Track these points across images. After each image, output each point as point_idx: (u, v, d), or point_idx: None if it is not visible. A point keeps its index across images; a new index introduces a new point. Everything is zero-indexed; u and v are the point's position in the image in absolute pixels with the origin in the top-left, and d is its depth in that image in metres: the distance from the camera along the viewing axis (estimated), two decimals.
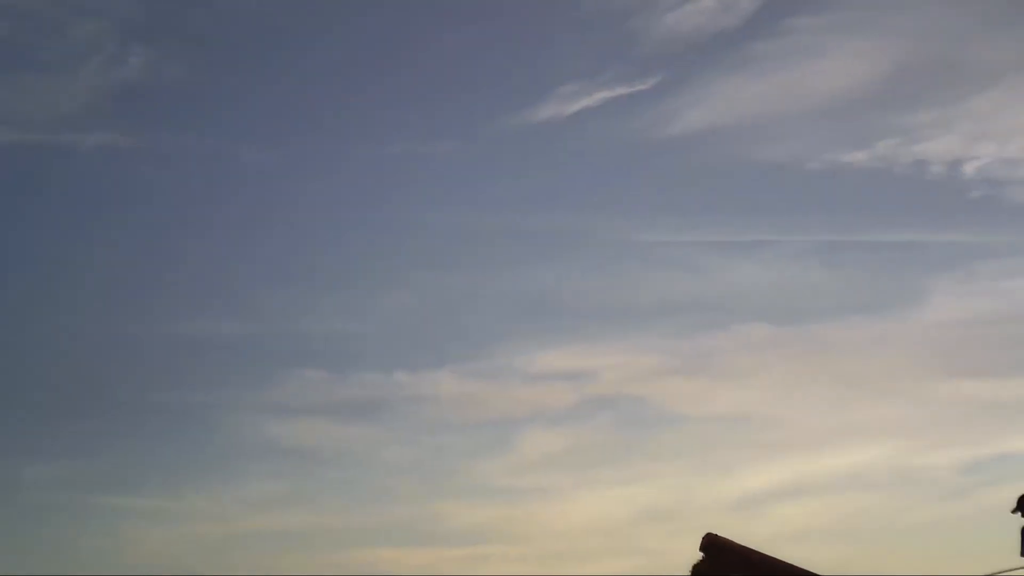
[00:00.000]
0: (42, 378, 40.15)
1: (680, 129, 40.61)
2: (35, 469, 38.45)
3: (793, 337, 40.37)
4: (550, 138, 41.71)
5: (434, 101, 43.13)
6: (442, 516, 38.66)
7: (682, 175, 42.19)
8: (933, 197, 40.51)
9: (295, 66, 42.49)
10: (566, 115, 39.91)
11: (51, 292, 41.56)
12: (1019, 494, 13.33)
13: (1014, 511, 13.47)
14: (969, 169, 39.18)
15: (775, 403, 39.60)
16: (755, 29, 40.09)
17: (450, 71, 42.72)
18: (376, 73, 42.84)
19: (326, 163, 43.06)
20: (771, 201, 42.23)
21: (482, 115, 43.37)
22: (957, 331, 39.52)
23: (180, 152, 41.75)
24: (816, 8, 40.37)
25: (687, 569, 14.91)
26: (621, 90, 39.85)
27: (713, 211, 41.72)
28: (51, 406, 39.41)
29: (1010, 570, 14.51)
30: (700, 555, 14.73)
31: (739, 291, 41.59)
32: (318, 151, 42.85)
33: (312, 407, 40.43)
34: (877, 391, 39.19)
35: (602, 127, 41.23)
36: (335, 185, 42.94)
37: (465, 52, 42.40)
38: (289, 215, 43.07)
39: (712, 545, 14.61)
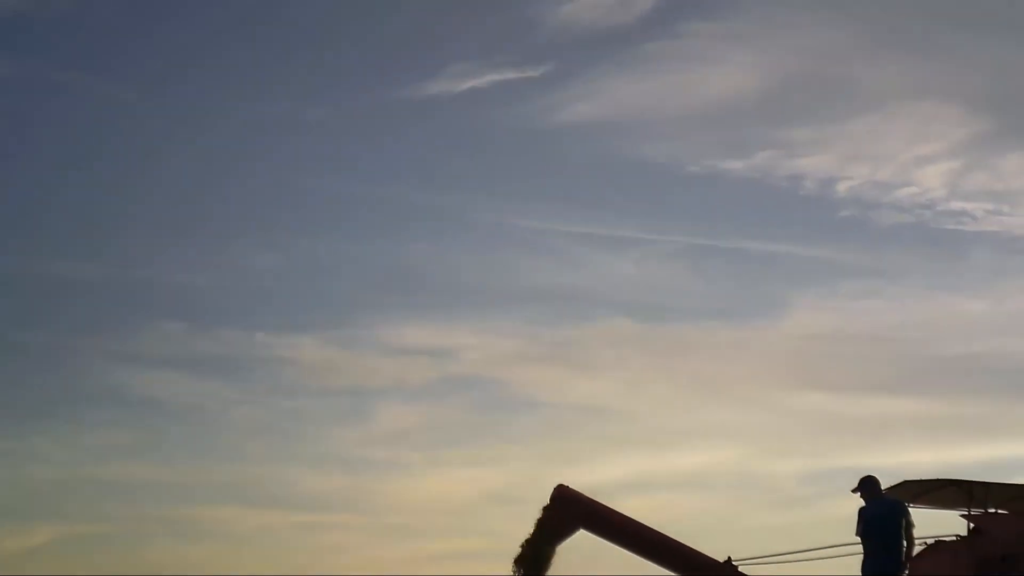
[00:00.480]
0: None
1: (566, 119, 40.95)
2: None
3: (654, 335, 41.01)
4: (436, 114, 41.69)
5: (322, 65, 42.77)
6: (289, 480, 38.31)
7: (563, 165, 42.54)
8: (804, 212, 41.60)
9: (186, 13, 41.73)
10: (454, 93, 39.94)
11: None
12: (854, 507, 13.68)
13: (854, 491, 13.85)
14: (841, 188, 40.30)
15: (630, 398, 40.16)
16: (648, 29, 40.64)
17: (341, 36, 42.41)
18: (267, 29, 42.30)
19: (206, 114, 42.33)
20: (647, 200, 42.82)
21: (369, 84, 43.14)
22: (813, 344, 40.56)
23: (59, 86, 40.65)
24: (710, 15, 41.08)
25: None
26: (511, 74, 40.02)
27: (590, 204, 42.14)
28: None
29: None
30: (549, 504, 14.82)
31: (606, 285, 42.06)
32: (200, 101, 42.10)
33: (167, 359, 39.71)
34: (730, 395, 40.02)
35: (489, 109, 41.37)
36: (213, 137, 42.20)
37: (359, 18, 42.11)
38: (163, 162, 42.20)
39: (562, 496, 14.72)
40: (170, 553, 35.10)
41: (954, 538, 15.50)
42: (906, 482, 16.06)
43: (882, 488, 14.02)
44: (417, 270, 42.41)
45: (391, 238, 42.76)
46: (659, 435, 38.88)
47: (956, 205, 39.81)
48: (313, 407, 40.18)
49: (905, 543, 13.37)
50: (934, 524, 16.69)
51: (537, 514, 14.89)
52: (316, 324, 41.38)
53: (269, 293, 42.40)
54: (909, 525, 13.47)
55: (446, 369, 39.85)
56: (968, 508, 15.97)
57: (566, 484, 14.94)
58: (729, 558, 14.63)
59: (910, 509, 14.33)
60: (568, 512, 14.64)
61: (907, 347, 40.96)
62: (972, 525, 15.49)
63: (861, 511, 13.67)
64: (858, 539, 13.63)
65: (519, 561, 14.46)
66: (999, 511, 16.21)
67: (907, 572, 13.36)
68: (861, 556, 13.45)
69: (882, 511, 13.53)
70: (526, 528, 14.83)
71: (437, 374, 39.90)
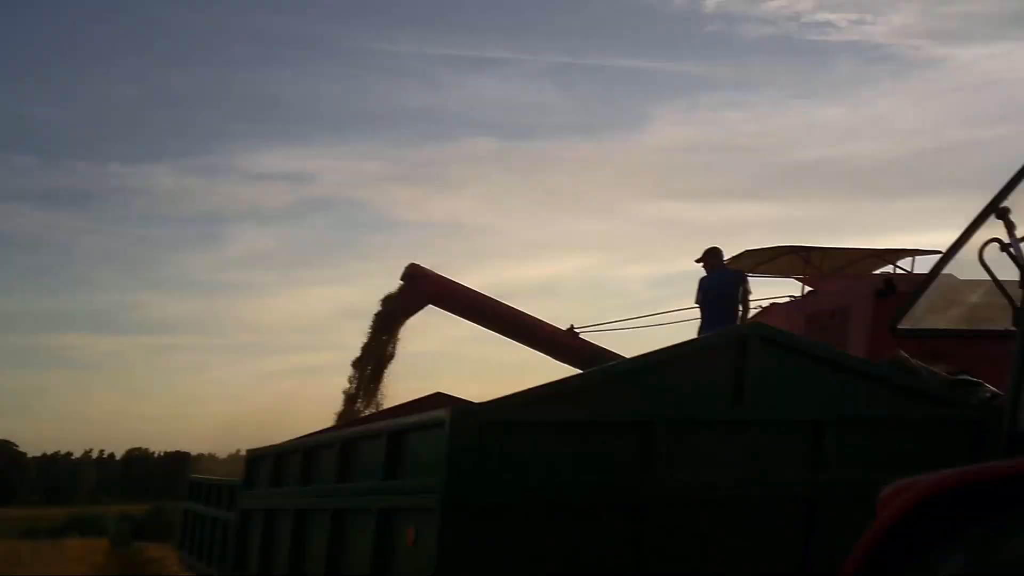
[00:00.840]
0: None
1: None
2: None
3: (516, 153, 41.15)
4: None
5: None
6: (140, 305, 38.08)
7: None
8: (670, 28, 41.57)
9: None
10: None
11: None
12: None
13: (697, 261, 14.23)
14: (710, 3, 40.19)
15: (490, 214, 40.48)
16: None
17: None
18: None
19: None
20: (513, 20, 42.37)
21: None
22: (673, 156, 41.13)
23: None
24: None
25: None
26: None
27: (455, 26, 41.46)
28: None
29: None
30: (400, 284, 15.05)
31: (471, 106, 41.80)
32: None
33: (17, 193, 38.66)
34: (588, 208, 40.62)
35: None
36: None
37: None
38: None
39: (413, 274, 14.94)
40: (18, 382, 34.90)
41: (789, 299, 16.17)
42: (747, 251, 16.59)
43: (724, 259, 14.50)
44: (277, 96, 41.68)
45: (252, 66, 41.86)
46: (517, 248, 39.47)
47: (822, 16, 40.18)
48: (167, 234, 39.81)
49: (741, 309, 13.89)
50: (775, 291, 17.45)
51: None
52: (171, 153, 40.66)
53: (120, 122, 41.40)
54: (746, 292, 13.96)
55: (305, 192, 39.57)
56: (804, 273, 16.62)
57: (419, 264, 15.19)
58: (572, 326, 15.09)
59: (751, 278, 14.87)
60: (419, 288, 14.90)
61: (763, 155, 41.86)
62: (806, 288, 16.14)
63: (701, 280, 14.12)
64: (697, 306, 14.12)
65: (372, 326, 14.81)
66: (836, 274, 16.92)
67: None
68: (699, 322, 13.95)
69: (721, 280, 14.00)
70: None
71: (295, 198, 39.66)
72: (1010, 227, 4.06)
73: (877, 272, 16.70)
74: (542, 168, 40.07)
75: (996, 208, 4.17)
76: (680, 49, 42.56)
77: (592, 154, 39.83)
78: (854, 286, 14.41)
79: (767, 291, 19.15)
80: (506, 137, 42.84)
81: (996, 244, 4.05)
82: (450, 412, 6.21)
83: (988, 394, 7.72)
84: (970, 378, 7.99)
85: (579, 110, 40.68)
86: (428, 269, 15.16)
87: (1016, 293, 3.93)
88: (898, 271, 16.40)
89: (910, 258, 16.76)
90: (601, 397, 6.60)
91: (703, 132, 39.82)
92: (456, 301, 15.12)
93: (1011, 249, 4.00)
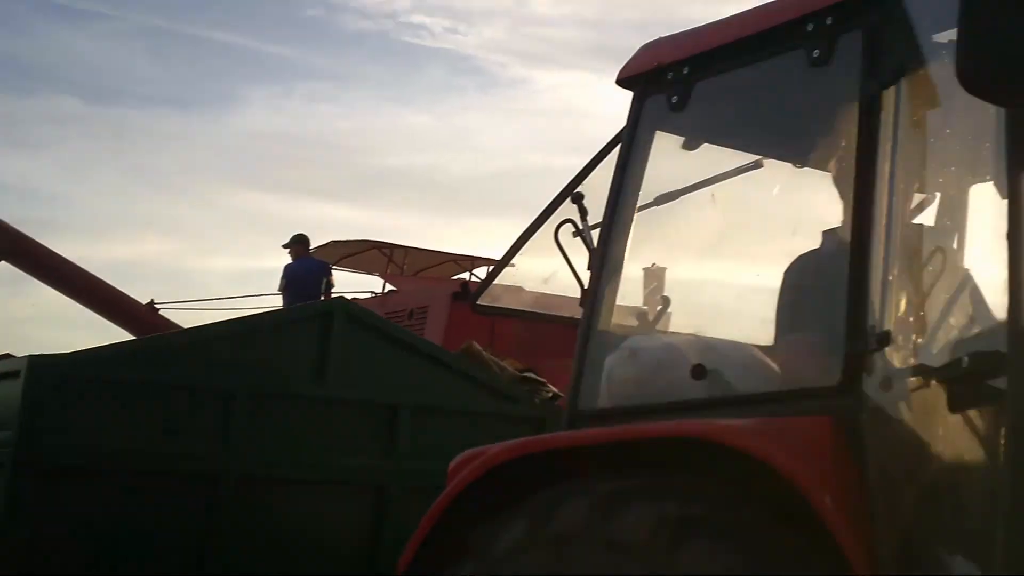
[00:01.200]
0: None
1: None
2: None
3: (101, 118, 39.14)
4: None
5: None
6: None
7: None
8: (270, 6, 40.87)
9: None
10: None
11: None
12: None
13: (284, 246, 14.31)
14: None
15: (68, 182, 38.34)
16: None
17: None
18: None
19: None
20: None
21: None
22: (264, 145, 40.47)
23: None
24: None
25: None
26: None
27: None
28: None
29: None
30: None
31: (58, 59, 39.09)
32: None
33: None
34: (171, 188, 39.26)
35: None
36: None
37: None
38: None
39: None
40: None
41: (370, 295, 16.57)
42: (333, 242, 16.86)
43: (310, 248, 14.68)
44: None
45: None
46: (95, 223, 37.56)
47: (417, 18, 40.70)
48: None
49: (323, 300, 14.10)
50: (361, 286, 17.84)
51: None
52: None
53: None
54: (329, 284, 14.22)
55: None
56: (386, 271, 17.12)
57: None
58: (152, 301, 14.67)
59: (336, 270, 15.12)
60: None
61: (352, 155, 42.04)
62: (387, 285, 16.61)
63: (286, 267, 14.23)
64: (280, 293, 14.22)
65: None
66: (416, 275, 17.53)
67: None
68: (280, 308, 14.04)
69: (305, 269, 14.16)
70: None
71: None
72: (583, 212, 4.28)
73: (455, 277, 17.44)
74: (128, 139, 38.14)
75: (571, 193, 4.41)
76: (279, 30, 41.74)
77: (181, 131, 38.31)
78: (433, 288, 14.97)
79: (350, 286, 19.60)
80: (92, 100, 40.38)
81: (570, 227, 4.26)
82: (28, 361, 5.91)
83: (550, 394, 8.28)
84: (535, 376, 8.54)
85: (170, 80, 38.96)
86: (2, 219, 14.17)
87: (585, 276, 4.14)
88: (474, 279, 17.20)
89: (486, 266, 17.61)
90: (186, 361, 6.42)
91: (296, 123, 39.35)
92: (31, 257, 14.01)
93: (583, 233, 4.23)
